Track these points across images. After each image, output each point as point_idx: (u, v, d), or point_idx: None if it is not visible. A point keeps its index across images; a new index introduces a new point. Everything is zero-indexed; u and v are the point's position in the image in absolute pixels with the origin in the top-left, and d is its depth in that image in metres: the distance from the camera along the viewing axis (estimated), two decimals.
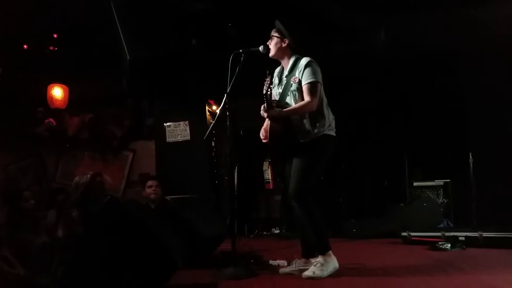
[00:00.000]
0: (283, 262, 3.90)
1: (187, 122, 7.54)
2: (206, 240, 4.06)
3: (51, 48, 6.78)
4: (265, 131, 3.69)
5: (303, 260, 3.70)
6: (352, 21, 6.31)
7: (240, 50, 3.73)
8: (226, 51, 3.77)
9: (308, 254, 3.70)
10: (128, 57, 5.82)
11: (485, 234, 4.75)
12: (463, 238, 4.82)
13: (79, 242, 3.12)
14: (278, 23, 3.72)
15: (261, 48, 3.72)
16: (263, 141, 3.74)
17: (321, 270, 3.43)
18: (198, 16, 5.95)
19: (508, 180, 6.31)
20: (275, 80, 3.85)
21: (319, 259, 3.50)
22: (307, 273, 3.45)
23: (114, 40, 5.89)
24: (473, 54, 6.71)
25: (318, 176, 3.65)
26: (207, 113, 7.67)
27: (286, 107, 3.62)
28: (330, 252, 3.53)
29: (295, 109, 3.58)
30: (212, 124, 4.05)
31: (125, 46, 5.78)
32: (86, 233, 3.13)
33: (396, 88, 7.22)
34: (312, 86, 3.54)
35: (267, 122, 3.68)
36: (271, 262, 4.03)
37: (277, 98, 3.73)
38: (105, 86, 7.73)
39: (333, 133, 3.67)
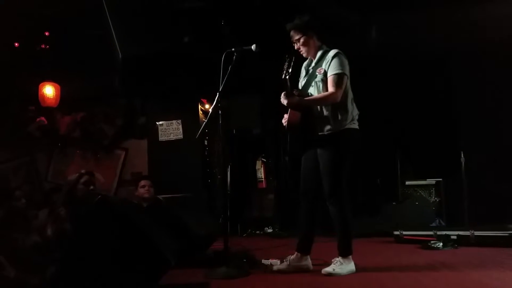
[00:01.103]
0: (275, 262, 3.89)
1: (179, 121, 7.52)
2: (198, 239, 4.05)
3: (43, 46, 6.73)
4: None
5: (297, 255, 3.68)
6: (344, 19, 6.31)
7: (233, 49, 3.71)
8: (219, 50, 3.76)
9: (304, 249, 3.69)
10: (120, 56, 5.79)
11: (476, 233, 4.77)
12: (455, 237, 4.83)
13: (70, 241, 3.10)
14: (293, 25, 3.62)
15: (253, 47, 3.71)
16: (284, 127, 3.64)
17: (341, 268, 3.43)
18: (190, 15, 5.93)
19: (499, 179, 6.35)
20: (302, 72, 3.79)
21: (339, 259, 3.49)
22: (327, 269, 3.44)
23: (106, 38, 5.86)
24: (466, 54, 6.74)
25: (348, 172, 3.55)
26: (200, 112, 7.65)
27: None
28: (351, 256, 3.53)
29: (317, 99, 3.53)
30: (204, 123, 4.03)
31: (117, 44, 5.75)
32: (77, 232, 3.10)
33: (388, 87, 7.23)
34: (338, 77, 3.47)
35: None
36: (263, 261, 4.02)
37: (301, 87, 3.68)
38: (97, 85, 7.69)
39: (356, 126, 3.61)
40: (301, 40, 3.62)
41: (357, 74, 7.07)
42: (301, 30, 3.61)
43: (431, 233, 5.02)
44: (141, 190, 5.21)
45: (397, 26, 6.41)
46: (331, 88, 3.47)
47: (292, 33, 3.64)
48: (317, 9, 5.91)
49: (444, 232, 4.95)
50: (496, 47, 6.39)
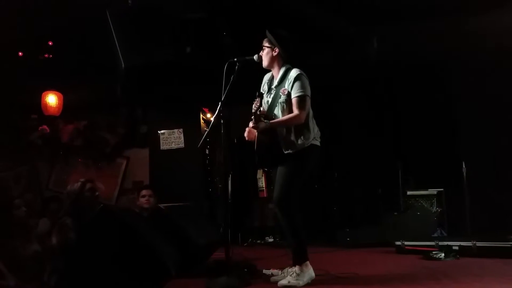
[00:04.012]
0: (277, 271, 3.88)
1: (181, 130, 7.54)
2: (199, 248, 4.04)
3: (46, 55, 6.77)
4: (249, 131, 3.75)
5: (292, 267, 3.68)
6: (345, 30, 6.35)
7: (235, 59, 3.74)
8: (221, 60, 3.78)
9: None
10: (123, 65, 5.81)
11: (478, 244, 4.76)
12: (456, 248, 4.82)
13: (72, 250, 3.10)
14: (268, 33, 3.76)
15: (255, 57, 3.76)
16: (246, 138, 3.78)
17: (297, 280, 3.46)
18: (193, 25, 5.96)
19: (501, 189, 6.33)
20: (264, 86, 3.89)
21: (296, 269, 3.52)
22: (283, 281, 3.48)
23: (109, 48, 5.89)
24: (466, 64, 6.76)
25: (301, 184, 3.67)
26: (201, 121, 7.67)
27: (274, 118, 3.67)
28: (308, 262, 3.55)
29: (283, 121, 3.63)
30: (206, 132, 4.05)
31: (120, 54, 5.77)
32: (79, 241, 3.11)
33: (389, 97, 7.26)
34: (301, 100, 3.58)
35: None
36: (264, 271, 4.01)
37: (265, 106, 3.78)
38: (99, 94, 7.71)
39: (317, 143, 3.72)
40: (266, 49, 3.75)
41: (358, 84, 7.18)
42: (270, 43, 3.74)
43: (433, 243, 5.01)
44: (142, 200, 5.22)
45: (398, 36, 6.44)
46: (295, 111, 3.59)
47: (264, 40, 3.78)
48: (318, 21, 5.96)
49: (446, 243, 4.94)
50: (497, 56, 6.40)
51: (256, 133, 3.70)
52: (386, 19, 6.12)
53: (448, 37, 6.27)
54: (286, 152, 3.62)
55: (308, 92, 3.63)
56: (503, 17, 5.95)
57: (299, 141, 3.61)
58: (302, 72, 3.66)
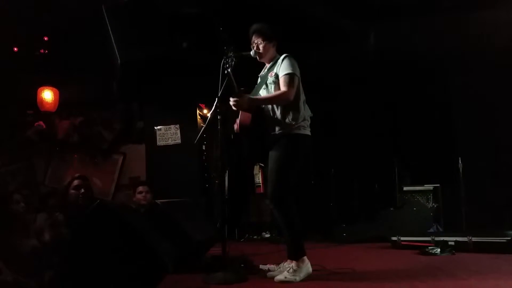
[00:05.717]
0: (273, 267, 3.88)
1: (177, 126, 7.53)
2: (196, 244, 4.05)
3: (42, 51, 6.74)
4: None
5: (289, 262, 3.68)
6: (342, 26, 6.35)
7: (231, 54, 3.73)
8: (217, 55, 3.77)
9: None
10: (119, 61, 5.80)
11: (474, 239, 4.77)
12: (452, 243, 4.84)
13: (68, 246, 3.10)
14: (259, 27, 3.72)
15: (252, 52, 3.74)
16: (236, 131, 3.72)
17: (293, 275, 3.42)
18: (189, 20, 5.95)
19: (497, 185, 6.36)
20: (259, 80, 3.86)
21: (292, 264, 3.48)
22: (279, 277, 3.46)
23: (105, 44, 5.87)
24: (462, 60, 6.78)
25: (294, 177, 3.57)
26: (198, 116, 7.66)
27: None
28: (305, 257, 3.52)
29: (269, 98, 3.59)
30: (203, 128, 4.04)
31: (116, 50, 5.75)
32: (74, 237, 3.10)
33: (386, 93, 7.27)
34: (289, 77, 3.51)
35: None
36: (261, 266, 4.02)
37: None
38: (95, 89, 7.69)
39: (307, 132, 3.63)
40: (262, 44, 3.70)
41: (355, 81, 7.19)
42: (266, 36, 3.70)
43: (428, 239, 5.03)
44: (138, 196, 5.22)
45: (394, 33, 6.45)
46: (283, 88, 3.52)
47: (255, 35, 3.73)
48: (315, 17, 5.95)
49: (441, 238, 4.96)
50: (494, 53, 6.42)
51: (240, 113, 3.60)
52: (384, 16, 6.12)
53: (448, 34, 6.28)
54: (272, 133, 3.54)
55: (297, 72, 3.56)
56: (503, 15, 5.96)
57: (286, 120, 3.52)
58: (290, 55, 3.62)
